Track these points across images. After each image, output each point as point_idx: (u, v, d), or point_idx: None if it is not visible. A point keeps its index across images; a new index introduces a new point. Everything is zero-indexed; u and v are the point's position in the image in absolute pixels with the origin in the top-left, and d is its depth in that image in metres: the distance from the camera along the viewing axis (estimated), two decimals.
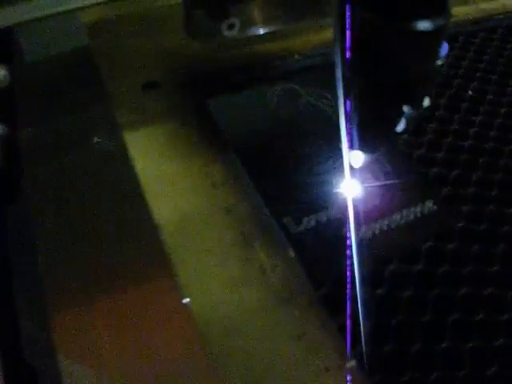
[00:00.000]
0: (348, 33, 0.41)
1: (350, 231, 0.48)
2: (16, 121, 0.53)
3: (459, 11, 0.77)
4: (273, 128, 0.58)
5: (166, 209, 0.49)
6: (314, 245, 0.48)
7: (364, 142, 0.44)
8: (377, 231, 0.49)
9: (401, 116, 0.44)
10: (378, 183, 0.53)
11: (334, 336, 0.43)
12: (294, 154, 0.55)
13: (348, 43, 0.42)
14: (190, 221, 0.48)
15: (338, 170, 0.53)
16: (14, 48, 0.57)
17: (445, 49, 0.43)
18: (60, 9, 0.47)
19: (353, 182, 0.46)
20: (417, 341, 0.44)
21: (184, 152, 0.54)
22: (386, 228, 0.50)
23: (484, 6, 0.79)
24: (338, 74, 0.43)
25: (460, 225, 0.52)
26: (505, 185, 0.56)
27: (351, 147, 0.44)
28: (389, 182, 0.53)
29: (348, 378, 0.41)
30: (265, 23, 0.62)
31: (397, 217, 0.51)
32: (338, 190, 0.52)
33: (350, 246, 0.48)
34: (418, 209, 0.52)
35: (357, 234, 0.48)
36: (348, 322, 0.43)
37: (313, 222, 0.49)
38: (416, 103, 0.44)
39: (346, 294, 0.45)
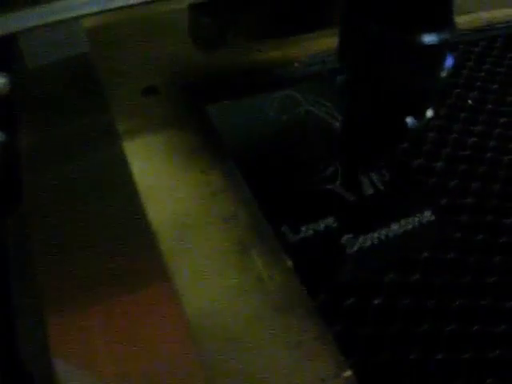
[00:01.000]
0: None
1: (348, 240, 0.48)
2: (16, 129, 0.53)
3: (459, 20, 0.76)
4: (272, 136, 0.58)
5: (165, 216, 0.49)
6: (312, 254, 0.48)
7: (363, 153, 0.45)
8: (375, 241, 0.50)
9: (404, 128, 0.45)
10: (376, 192, 0.53)
11: (330, 346, 0.43)
12: (294, 163, 0.55)
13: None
14: (188, 229, 0.48)
15: (337, 179, 0.54)
16: (15, 55, 0.57)
17: (450, 61, 0.43)
18: (63, 16, 0.47)
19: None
20: (413, 351, 0.44)
21: (183, 159, 0.54)
22: (383, 238, 0.50)
23: (485, 15, 0.79)
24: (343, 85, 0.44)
25: (458, 235, 0.52)
26: (504, 195, 0.56)
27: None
28: (387, 190, 0.53)
29: None
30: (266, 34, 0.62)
31: (395, 226, 0.51)
32: (336, 199, 0.52)
33: (348, 255, 0.48)
34: (417, 219, 0.52)
35: (355, 244, 0.49)
36: (344, 332, 0.43)
37: (310, 231, 0.49)
38: (420, 115, 0.45)
39: (342, 304, 0.45)
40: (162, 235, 0.47)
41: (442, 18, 0.41)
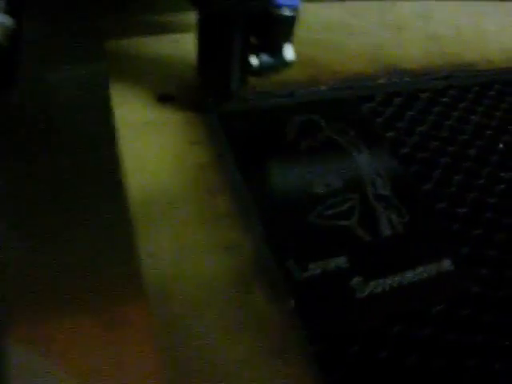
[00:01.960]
0: None
1: (358, 284, 0.45)
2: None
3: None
4: (288, 159, 0.54)
5: (163, 237, 0.45)
6: (317, 296, 0.44)
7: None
8: (387, 287, 0.46)
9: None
10: (394, 234, 0.49)
11: None
12: (308, 192, 0.51)
13: None
14: (187, 255, 0.44)
15: (354, 216, 0.50)
16: None
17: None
18: None
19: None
20: None
21: (191, 177, 0.50)
22: (396, 285, 0.46)
23: None
24: None
25: (476, 290, 0.48)
26: None
27: None
28: (406, 233, 0.50)
29: None
30: None
31: (410, 273, 0.47)
32: (351, 237, 0.48)
33: (357, 300, 0.44)
34: (434, 267, 0.48)
35: (365, 289, 0.45)
36: None
37: (319, 270, 0.45)
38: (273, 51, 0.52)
39: (343, 354, 0.41)
40: (158, 258, 0.44)
41: None
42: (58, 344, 0.37)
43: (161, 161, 0.52)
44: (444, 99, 0.66)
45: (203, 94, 0.57)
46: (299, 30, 0.52)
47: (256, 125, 0.57)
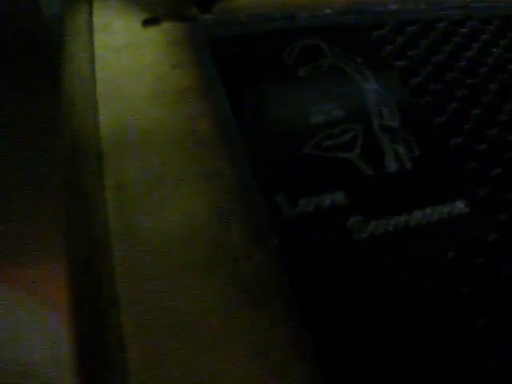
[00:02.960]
0: None
1: (356, 224, 0.39)
2: None
3: None
4: (283, 86, 0.47)
5: (133, 168, 0.39)
6: (307, 236, 0.38)
7: None
8: (390, 228, 0.40)
9: None
10: (401, 169, 0.43)
11: (304, 356, 0.33)
12: (304, 121, 0.45)
13: None
14: (159, 186, 0.39)
15: (356, 148, 0.44)
16: None
17: None
18: None
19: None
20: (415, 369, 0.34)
21: (170, 102, 0.44)
22: (402, 226, 0.40)
23: None
24: None
25: (493, 237, 0.42)
26: None
27: None
28: (415, 169, 0.43)
29: None
30: None
31: (418, 214, 0.41)
32: (351, 171, 0.42)
33: (354, 242, 0.38)
34: (446, 209, 0.42)
35: (364, 229, 0.39)
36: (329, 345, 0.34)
37: (311, 206, 0.39)
38: None
39: (333, 306, 0.35)
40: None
41: None
42: None
43: (138, 85, 0.46)
44: (463, 29, 0.59)
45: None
46: None
47: (249, 49, 0.51)
